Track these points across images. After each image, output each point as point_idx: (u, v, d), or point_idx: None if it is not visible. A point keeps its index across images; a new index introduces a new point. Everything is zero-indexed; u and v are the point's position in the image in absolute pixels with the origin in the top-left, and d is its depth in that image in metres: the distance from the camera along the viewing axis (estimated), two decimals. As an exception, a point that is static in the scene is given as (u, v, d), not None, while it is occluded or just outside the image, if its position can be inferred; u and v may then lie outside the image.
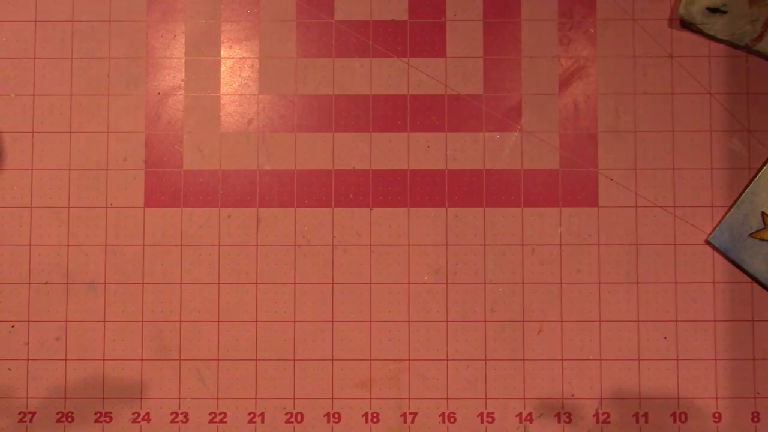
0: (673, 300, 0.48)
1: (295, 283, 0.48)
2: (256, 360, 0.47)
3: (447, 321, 0.48)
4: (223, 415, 0.48)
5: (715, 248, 0.48)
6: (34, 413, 0.47)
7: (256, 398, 0.47)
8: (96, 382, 0.48)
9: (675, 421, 0.48)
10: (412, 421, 0.47)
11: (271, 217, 0.48)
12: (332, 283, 0.48)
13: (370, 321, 0.47)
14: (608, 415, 0.48)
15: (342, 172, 0.48)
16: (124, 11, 0.49)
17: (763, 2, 0.47)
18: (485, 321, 0.48)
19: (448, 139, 0.49)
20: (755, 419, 0.48)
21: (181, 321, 0.48)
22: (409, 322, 0.48)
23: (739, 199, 0.48)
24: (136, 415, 0.47)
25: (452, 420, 0.47)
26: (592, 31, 0.49)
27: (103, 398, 0.48)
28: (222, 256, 0.48)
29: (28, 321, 0.48)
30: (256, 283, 0.48)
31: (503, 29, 0.49)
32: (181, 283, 0.48)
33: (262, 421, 0.47)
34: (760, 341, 0.48)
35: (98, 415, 0.47)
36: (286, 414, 0.47)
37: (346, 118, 0.49)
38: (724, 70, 0.49)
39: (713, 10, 0.47)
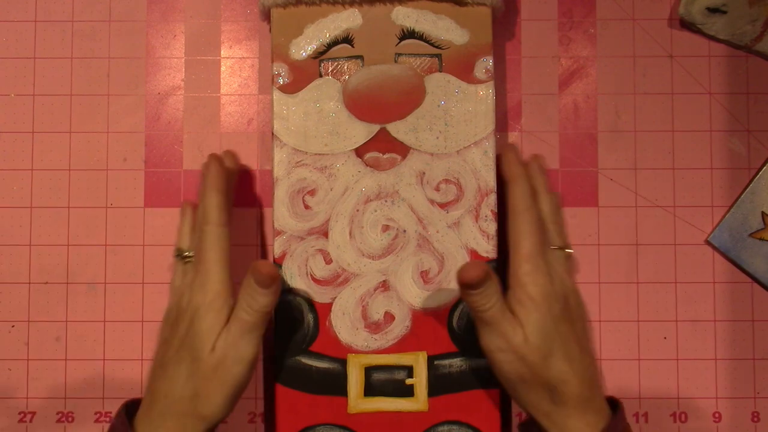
0: (673, 300, 0.48)
1: (295, 283, 0.47)
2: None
3: (447, 321, 0.48)
4: (223, 415, 0.47)
5: (715, 248, 0.48)
6: (34, 413, 0.47)
7: (255, 398, 0.47)
8: (96, 382, 0.48)
9: (675, 421, 0.48)
10: (412, 421, 0.47)
11: (271, 216, 0.48)
12: (332, 283, 0.47)
13: (370, 321, 0.47)
14: (608, 415, 0.48)
15: (342, 172, 0.48)
16: (124, 11, 0.49)
17: (763, 2, 0.47)
18: (485, 321, 0.48)
19: (448, 139, 0.49)
20: (755, 419, 0.48)
21: (181, 321, 0.48)
22: (409, 322, 0.48)
23: (739, 199, 0.48)
24: (136, 415, 0.47)
25: (452, 420, 0.47)
26: (592, 31, 0.49)
27: (103, 398, 0.48)
28: (222, 256, 0.48)
29: (28, 321, 0.48)
30: (256, 283, 0.47)
31: (504, 29, 0.49)
32: (181, 283, 0.48)
33: (262, 421, 0.47)
34: (760, 341, 0.48)
35: (98, 415, 0.47)
36: (286, 414, 0.47)
37: (346, 118, 0.49)
38: (724, 70, 0.49)
39: (713, 10, 0.47)
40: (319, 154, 0.43)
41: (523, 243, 0.39)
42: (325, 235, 0.43)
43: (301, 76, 0.43)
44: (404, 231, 0.43)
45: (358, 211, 0.43)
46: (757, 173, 0.48)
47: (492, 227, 0.43)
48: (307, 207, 0.43)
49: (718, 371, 0.48)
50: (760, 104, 0.49)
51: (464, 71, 0.43)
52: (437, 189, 0.43)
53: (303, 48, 0.43)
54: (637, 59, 0.49)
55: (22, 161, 0.48)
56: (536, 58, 0.49)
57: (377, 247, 0.43)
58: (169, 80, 0.49)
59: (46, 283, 0.48)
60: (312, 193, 0.43)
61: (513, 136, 0.48)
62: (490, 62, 0.43)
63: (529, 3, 0.49)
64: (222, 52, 0.49)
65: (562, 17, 0.49)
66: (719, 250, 0.48)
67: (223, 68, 0.49)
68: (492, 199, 0.43)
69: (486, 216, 0.43)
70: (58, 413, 0.47)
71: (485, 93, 0.43)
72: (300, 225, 0.43)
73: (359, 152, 0.43)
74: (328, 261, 0.43)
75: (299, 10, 0.43)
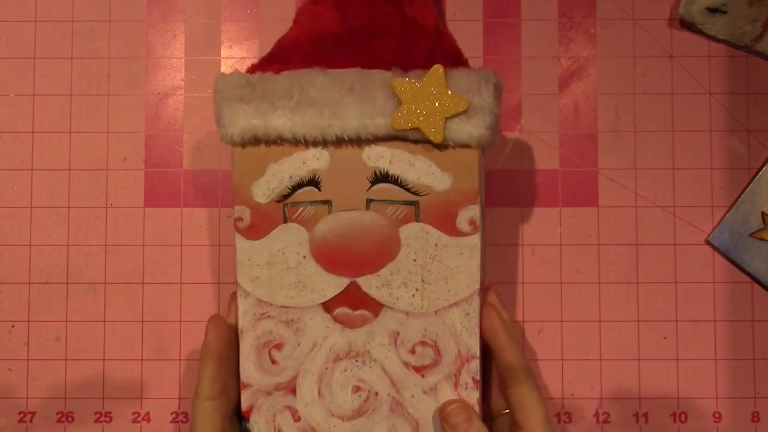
0: (673, 300, 0.48)
1: (295, 283, 0.47)
2: (256, 360, 0.47)
3: (447, 321, 0.48)
4: (223, 415, 0.47)
5: (715, 248, 0.48)
6: (34, 413, 0.47)
7: (256, 398, 0.47)
8: (96, 382, 0.48)
9: (675, 421, 0.48)
10: (412, 421, 0.47)
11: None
12: (332, 283, 0.47)
13: (370, 321, 0.47)
14: (608, 415, 0.48)
15: (342, 172, 0.48)
16: (124, 11, 0.49)
17: (763, 2, 0.47)
18: (485, 321, 0.48)
19: (448, 139, 0.49)
20: (755, 419, 0.48)
21: (181, 321, 0.48)
22: (409, 322, 0.48)
23: (739, 199, 0.48)
24: (136, 415, 0.48)
25: (452, 420, 0.47)
26: (592, 31, 0.49)
27: (103, 398, 0.48)
28: (222, 256, 0.48)
29: (28, 321, 0.48)
30: (256, 283, 0.47)
31: (503, 29, 0.49)
32: (181, 283, 0.48)
33: (262, 421, 0.47)
34: (760, 341, 0.48)
35: (98, 415, 0.48)
36: (286, 414, 0.47)
37: (346, 118, 0.49)
38: (724, 70, 0.49)
39: (713, 10, 0.47)
40: (285, 307, 0.39)
41: (534, 418, 0.38)
42: (293, 391, 0.39)
43: (265, 220, 0.39)
44: (376, 394, 0.39)
45: (327, 369, 0.39)
46: (757, 173, 0.48)
47: (473, 396, 0.39)
48: (273, 362, 0.40)
49: (718, 371, 0.48)
50: (760, 104, 0.49)
51: (445, 221, 0.39)
52: (412, 351, 0.39)
53: (265, 190, 0.39)
54: (637, 59, 0.49)
55: (22, 161, 0.48)
56: (536, 58, 0.49)
57: (347, 408, 0.39)
58: (169, 80, 0.49)
59: (46, 283, 0.48)
60: (278, 347, 0.40)
61: (513, 136, 0.48)
62: (477, 212, 0.38)
63: (529, 3, 0.49)
64: (222, 52, 0.49)
65: (562, 17, 0.49)
66: (719, 250, 0.48)
67: (223, 68, 0.49)
68: (474, 366, 0.39)
69: (466, 384, 0.39)
70: (58, 413, 0.47)
71: (469, 248, 0.38)
72: (267, 379, 0.40)
73: (328, 307, 0.39)
74: (297, 418, 0.40)
75: (260, 150, 0.39)
